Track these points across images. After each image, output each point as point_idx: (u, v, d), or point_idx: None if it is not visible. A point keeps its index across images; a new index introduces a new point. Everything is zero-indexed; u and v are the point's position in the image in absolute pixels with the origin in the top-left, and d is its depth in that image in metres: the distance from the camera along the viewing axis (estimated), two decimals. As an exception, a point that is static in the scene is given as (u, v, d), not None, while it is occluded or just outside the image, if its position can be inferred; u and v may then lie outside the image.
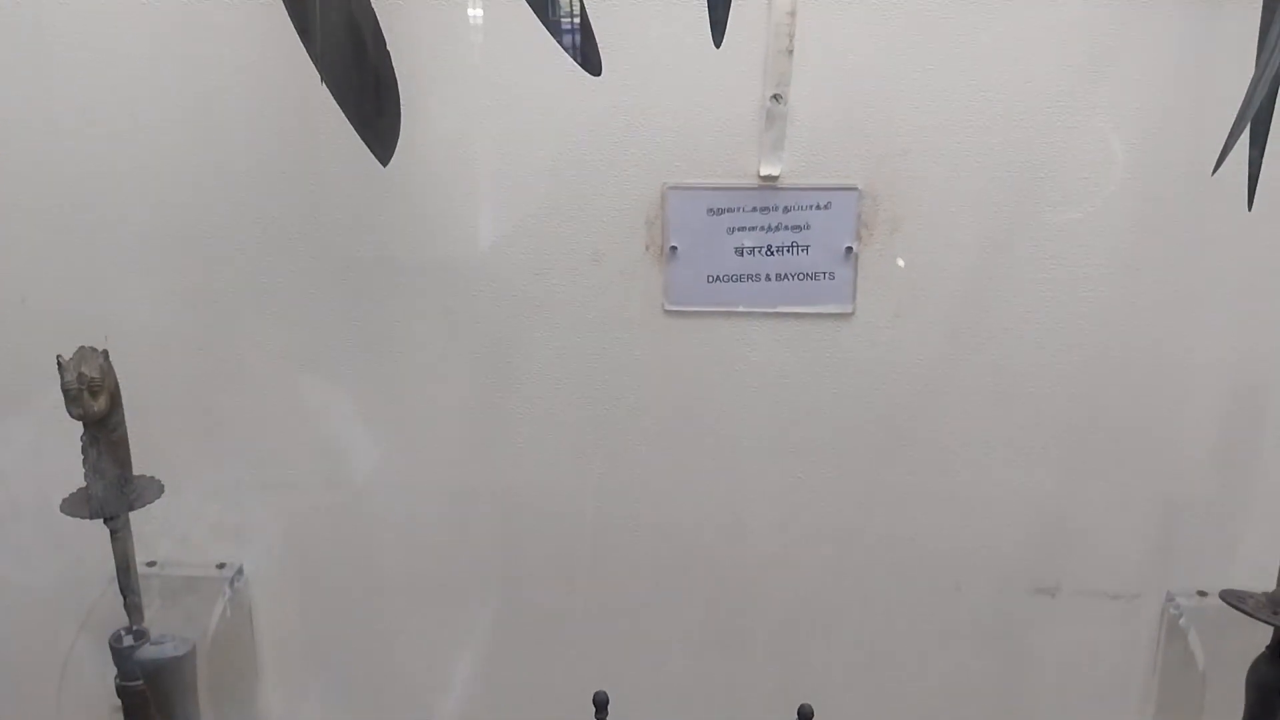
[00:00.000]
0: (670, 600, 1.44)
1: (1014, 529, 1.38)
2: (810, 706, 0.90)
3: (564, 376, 1.36)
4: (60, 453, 1.13)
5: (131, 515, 1.13)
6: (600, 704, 0.89)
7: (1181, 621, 1.29)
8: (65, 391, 1.05)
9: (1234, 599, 1.00)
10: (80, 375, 1.04)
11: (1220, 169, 0.98)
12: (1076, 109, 1.25)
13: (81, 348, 1.07)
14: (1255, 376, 1.31)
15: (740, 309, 1.31)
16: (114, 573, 1.15)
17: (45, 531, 1.31)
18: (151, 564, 1.36)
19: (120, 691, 1.05)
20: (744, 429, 1.37)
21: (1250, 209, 1.07)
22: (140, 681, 1.01)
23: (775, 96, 1.19)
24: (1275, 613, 0.98)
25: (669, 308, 1.31)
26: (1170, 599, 1.31)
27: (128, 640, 1.03)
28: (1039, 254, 1.30)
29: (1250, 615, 0.98)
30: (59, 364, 1.05)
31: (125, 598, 1.15)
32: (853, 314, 1.31)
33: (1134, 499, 1.36)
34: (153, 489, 1.15)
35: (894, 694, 1.43)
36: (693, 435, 1.37)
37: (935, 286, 1.31)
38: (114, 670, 1.15)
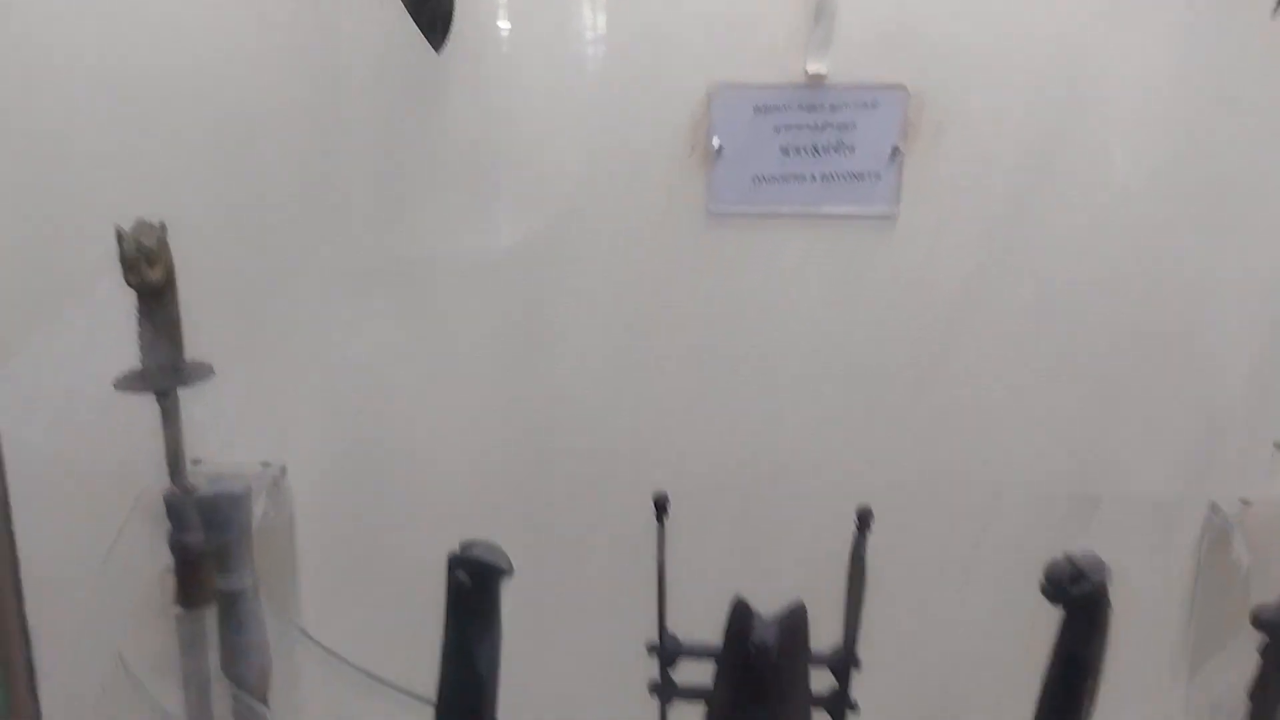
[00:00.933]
0: (704, 514, 1.43)
1: (1054, 439, 1.38)
2: (869, 508, 0.88)
3: (604, 282, 1.37)
4: (111, 348, 1.15)
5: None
6: (660, 504, 0.89)
7: (1225, 529, 1.28)
8: (123, 260, 1.07)
9: (1291, 452, 1.00)
10: (139, 245, 1.07)
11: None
12: (1127, 22, 1.24)
13: (139, 220, 1.09)
14: (1300, 282, 1.31)
15: (784, 210, 1.31)
16: (159, 464, 1.17)
17: (92, 424, 1.33)
18: (196, 462, 1.37)
19: (174, 547, 1.06)
20: (784, 336, 1.37)
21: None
22: (198, 535, 1.03)
23: (825, -13, 1.20)
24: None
25: (713, 209, 1.31)
26: (1214, 507, 1.31)
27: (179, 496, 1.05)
28: (1082, 164, 1.30)
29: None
30: (118, 234, 1.07)
31: (174, 479, 1.17)
32: (897, 218, 1.31)
33: (1176, 408, 1.35)
34: (203, 370, 1.17)
35: (933, 603, 1.43)
36: (732, 342, 1.37)
37: (978, 194, 1.31)
38: (162, 554, 1.18)
